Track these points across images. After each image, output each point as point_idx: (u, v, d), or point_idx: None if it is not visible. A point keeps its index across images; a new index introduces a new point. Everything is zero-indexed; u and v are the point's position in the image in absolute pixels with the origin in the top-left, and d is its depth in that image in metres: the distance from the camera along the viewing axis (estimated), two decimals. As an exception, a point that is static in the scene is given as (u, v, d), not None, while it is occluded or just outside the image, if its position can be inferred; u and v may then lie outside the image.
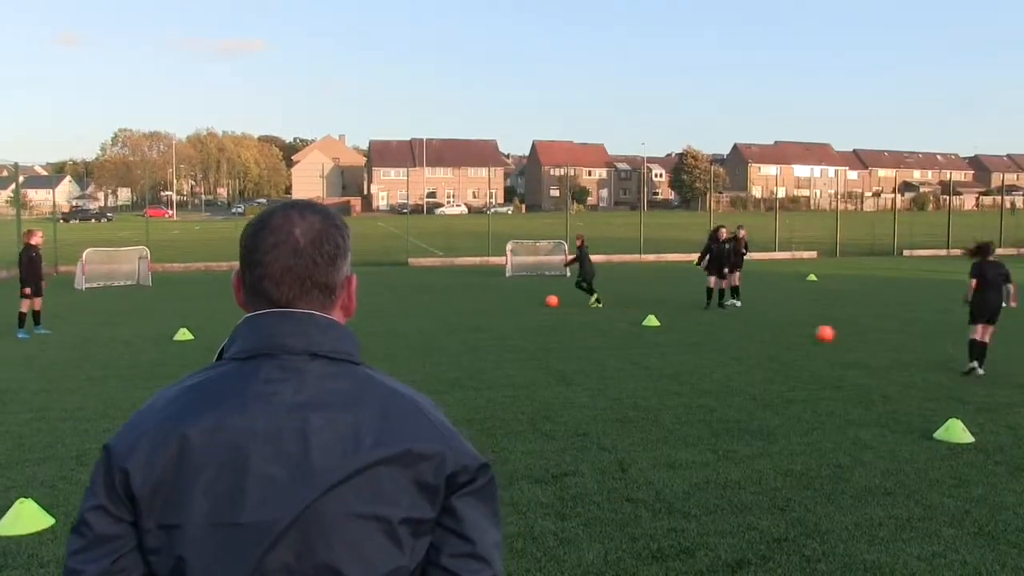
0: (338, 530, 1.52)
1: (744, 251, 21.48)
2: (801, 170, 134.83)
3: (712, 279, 20.60)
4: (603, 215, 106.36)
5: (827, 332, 15.16)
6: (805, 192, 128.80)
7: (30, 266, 17.03)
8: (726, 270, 20.51)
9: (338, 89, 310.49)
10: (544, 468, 7.94)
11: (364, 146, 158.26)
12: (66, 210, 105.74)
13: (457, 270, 33.88)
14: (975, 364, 12.10)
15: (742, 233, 21.66)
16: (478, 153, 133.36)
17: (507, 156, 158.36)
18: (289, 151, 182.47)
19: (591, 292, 21.48)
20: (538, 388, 11.49)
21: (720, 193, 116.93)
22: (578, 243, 22.32)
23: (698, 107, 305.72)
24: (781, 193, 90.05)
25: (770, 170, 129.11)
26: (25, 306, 17.13)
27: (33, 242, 17.14)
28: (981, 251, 12.34)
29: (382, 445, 1.56)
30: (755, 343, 15.10)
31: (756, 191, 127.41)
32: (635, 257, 37.89)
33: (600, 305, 20.89)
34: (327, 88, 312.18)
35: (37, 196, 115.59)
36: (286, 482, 1.52)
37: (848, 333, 16.06)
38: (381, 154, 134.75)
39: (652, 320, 17.60)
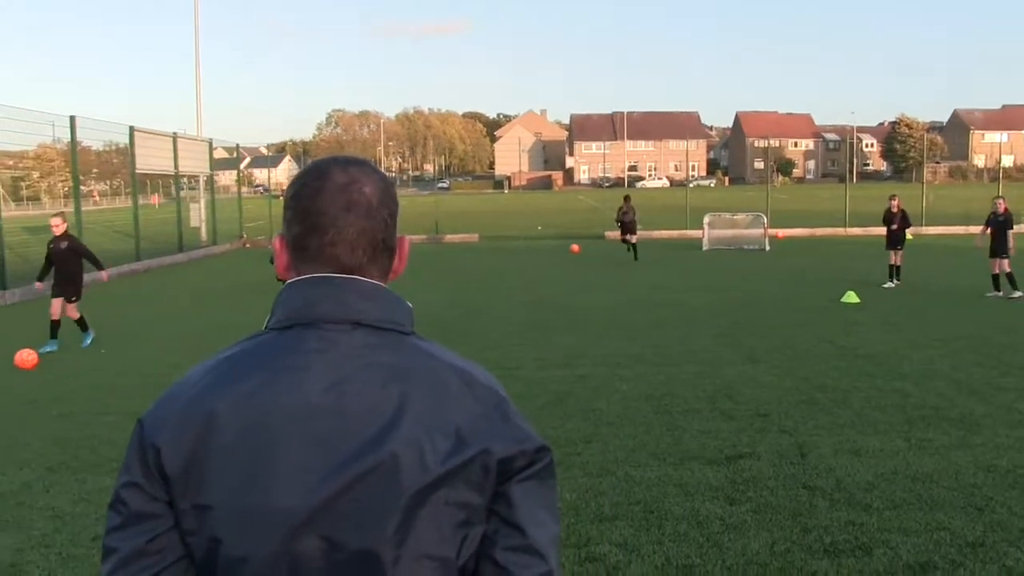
0: (376, 515, 1.37)
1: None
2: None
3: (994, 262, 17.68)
4: (808, 187, 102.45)
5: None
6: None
7: (48, 263, 13.92)
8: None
9: (540, 65, 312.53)
10: (718, 449, 7.58)
11: (565, 120, 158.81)
12: (284, 187, 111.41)
13: (654, 243, 33.41)
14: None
15: (894, 203, 19.45)
16: (680, 125, 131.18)
17: (710, 128, 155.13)
18: (492, 127, 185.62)
19: None
20: (722, 365, 11.06)
21: (937, 163, 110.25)
22: None
23: (913, 72, 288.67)
24: (1007, 162, 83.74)
25: (995, 137, 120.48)
26: (54, 310, 13.65)
27: (56, 233, 13.74)
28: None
29: (427, 425, 1.40)
30: (965, 323, 14.00)
31: (979, 160, 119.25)
32: (840, 231, 36.18)
33: None
34: (529, 64, 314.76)
35: (261, 175, 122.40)
36: (318, 463, 1.38)
37: (1074, 314, 14.66)
38: (582, 128, 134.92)
39: (852, 297, 16.66)
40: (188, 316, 17.03)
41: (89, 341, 13.94)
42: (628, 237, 27.03)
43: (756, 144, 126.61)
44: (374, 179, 1.54)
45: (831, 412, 8.71)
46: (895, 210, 19.44)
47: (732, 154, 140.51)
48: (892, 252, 19.19)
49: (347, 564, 1.37)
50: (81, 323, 13.96)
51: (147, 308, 18.39)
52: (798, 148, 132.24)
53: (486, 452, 1.41)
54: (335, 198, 1.50)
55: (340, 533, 1.37)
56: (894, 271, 19.12)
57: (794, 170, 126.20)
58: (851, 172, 64.95)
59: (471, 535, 1.41)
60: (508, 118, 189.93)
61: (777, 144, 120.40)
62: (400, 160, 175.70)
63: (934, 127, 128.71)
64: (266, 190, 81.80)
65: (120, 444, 8.12)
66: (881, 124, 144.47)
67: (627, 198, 27.66)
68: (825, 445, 7.61)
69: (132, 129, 27.19)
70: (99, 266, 14.39)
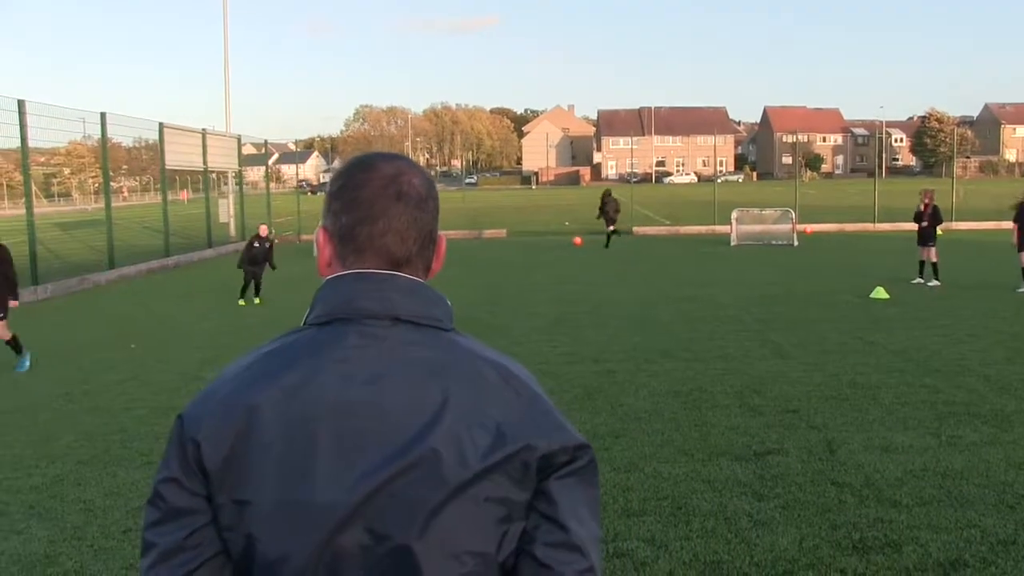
0: (416, 510, 1.37)
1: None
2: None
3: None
4: (837, 182, 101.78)
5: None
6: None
7: None
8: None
9: (567, 60, 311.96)
10: (746, 445, 7.55)
11: (593, 116, 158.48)
12: (314, 183, 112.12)
13: (681, 239, 33.29)
14: None
15: (925, 199, 19.01)
16: (707, 121, 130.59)
17: (738, 123, 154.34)
18: (520, 122, 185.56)
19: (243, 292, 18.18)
20: (751, 360, 11.01)
21: (967, 158, 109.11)
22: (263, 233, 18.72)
23: (943, 66, 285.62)
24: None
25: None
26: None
27: None
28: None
29: (467, 421, 1.40)
30: (996, 319, 13.85)
31: (1010, 155, 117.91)
32: (869, 226, 35.87)
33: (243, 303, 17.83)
34: (557, 59, 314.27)
35: (289, 171, 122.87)
36: (359, 458, 1.39)
37: (1109, 310, 14.46)
38: (609, 123, 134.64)
39: (881, 292, 16.52)
40: (217, 311, 17.16)
41: (28, 364, 11.75)
42: (610, 227, 29.93)
43: (784, 139, 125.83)
44: (420, 172, 1.57)
45: (860, 408, 8.64)
46: (923, 208, 19.08)
47: (760, 149, 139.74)
48: (923, 248, 18.88)
49: (386, 559, 1.38)
50: (15, 343, 11.76)
51: (176, 303, 18.55)
52: (826, 143, 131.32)
53: (527, 448, 1.41)
54: (385, 188, 1.52)
55: (380, 529, 1.37)
56: (928, 268, 18.74)
57: (823, 165, 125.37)
58: (880, 167, 64.43)
59: (511, 531, 1.41)
60: (536, 113, 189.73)
61: (805, 139, 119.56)
62: (428, 156, 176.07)
63: (964, 121, 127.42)
64: (307, 185, 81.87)
65: (150, 438, 8.20)
66: (911, 119, 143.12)
67: (608, 192, 30.66)
68: (854, 441, 7.56)
69: (161, 125, 27.41)
70: (15, 292, 11.95)
